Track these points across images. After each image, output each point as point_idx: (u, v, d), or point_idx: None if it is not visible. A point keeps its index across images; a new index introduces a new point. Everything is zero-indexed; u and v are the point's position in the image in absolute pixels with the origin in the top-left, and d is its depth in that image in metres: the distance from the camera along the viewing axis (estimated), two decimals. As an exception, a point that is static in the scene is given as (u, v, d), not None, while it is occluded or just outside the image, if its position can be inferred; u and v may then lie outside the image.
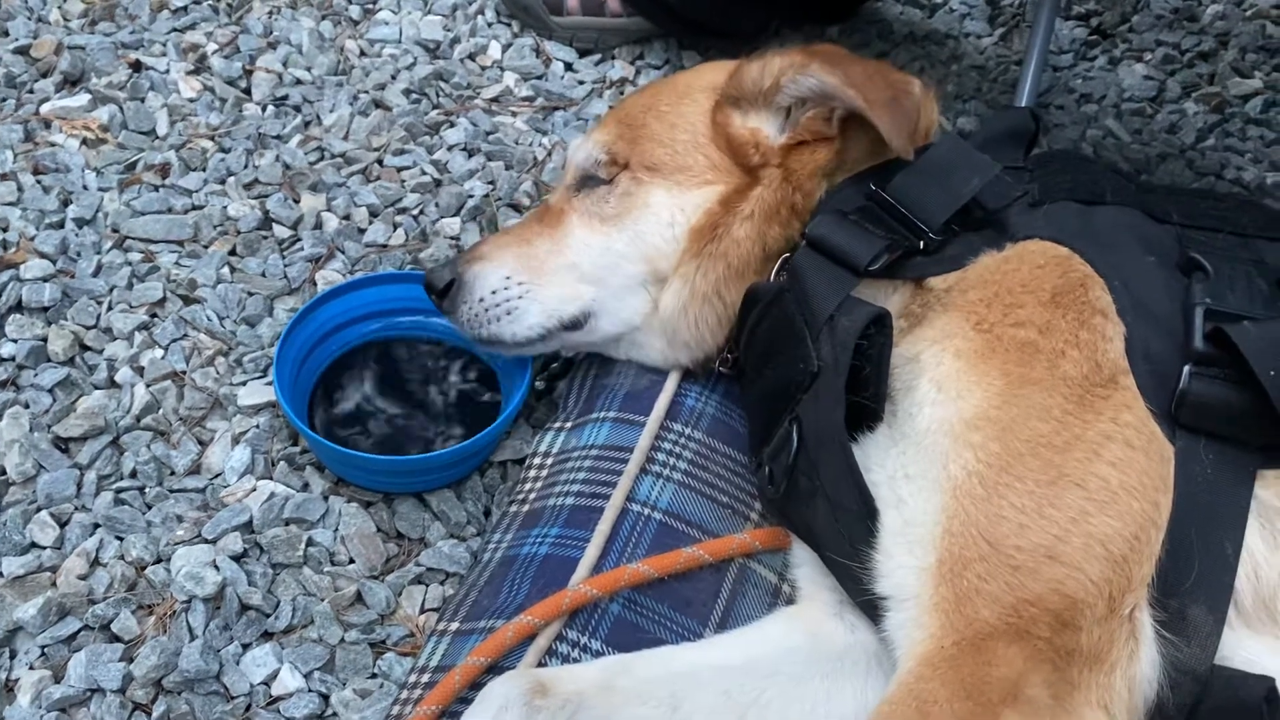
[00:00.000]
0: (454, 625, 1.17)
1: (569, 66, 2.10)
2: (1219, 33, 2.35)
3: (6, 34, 1.96)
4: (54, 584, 1.27)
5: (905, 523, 1.04)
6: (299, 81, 1.96)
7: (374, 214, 1.75)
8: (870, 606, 1.07)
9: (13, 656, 1.21)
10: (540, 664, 1.09)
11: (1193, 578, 0.99)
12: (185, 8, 2.08)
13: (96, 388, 1.47)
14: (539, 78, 2.06)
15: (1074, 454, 1.00)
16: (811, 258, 1.18)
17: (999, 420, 1.02)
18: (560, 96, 2.02)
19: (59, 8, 2.03)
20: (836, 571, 1.12)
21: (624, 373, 1.41)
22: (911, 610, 1.00)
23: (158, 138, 1.82)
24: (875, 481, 1.08)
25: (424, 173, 1.81)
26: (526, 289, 1.33)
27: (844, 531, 1.09)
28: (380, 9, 2.14)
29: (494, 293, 1.33)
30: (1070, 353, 1.05)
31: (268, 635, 1.26)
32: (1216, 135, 2.08)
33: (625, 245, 1.32)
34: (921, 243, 1.18)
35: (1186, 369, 1.03)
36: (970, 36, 2.29)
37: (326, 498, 1.38)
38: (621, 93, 2.05)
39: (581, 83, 2.06)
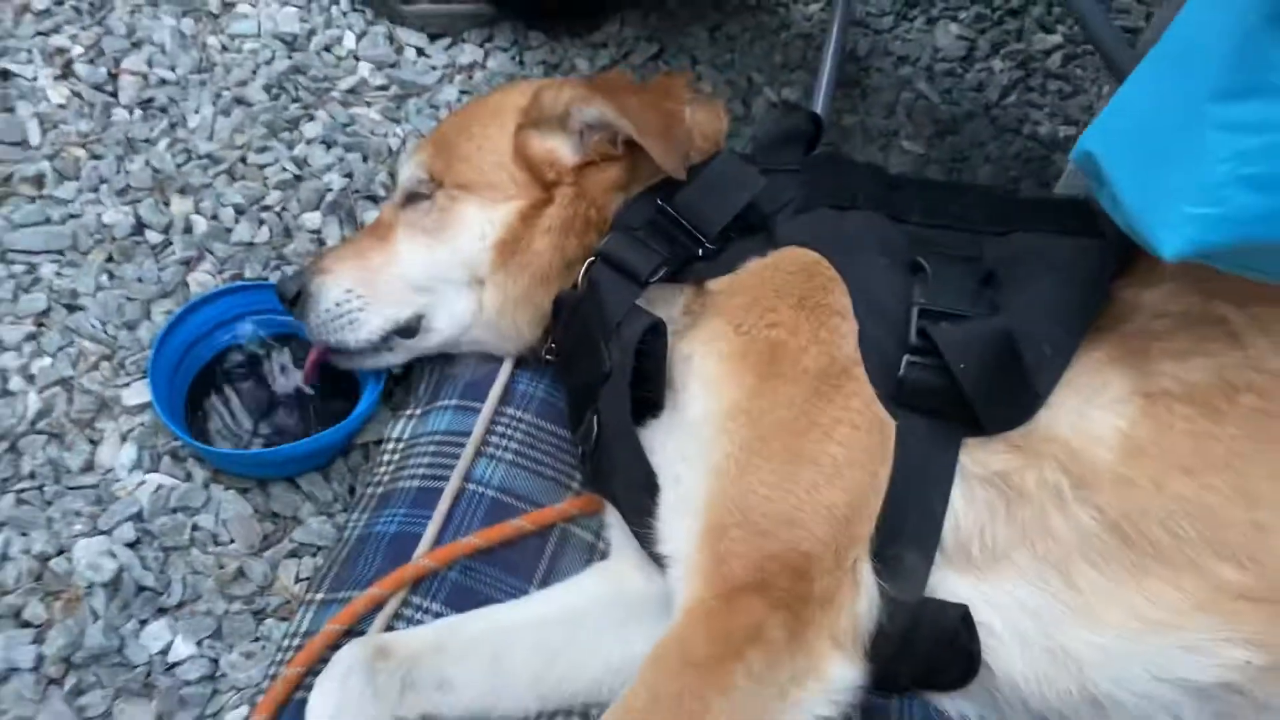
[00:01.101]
0: (319, 596, 1.39)
1: (421, 52, 2.24)
2: (1028, -13, 2.55)
3: None
4: (-33, 580, 1.45)
5: (679, 497, 1.26)
6: (164, 82, 2.08)
7: (240, 213, 1.90)
8: (660, 562, 1.31)
9: (-64, 646, 1.40)
10: (389, 628, 1.31)
11: (907, 530, 1.23)
12: (48, 10, 2.16)
13: (-9, 397, 1.63)
14: (392, 66, 2.20)
15: (810, 436, 1.23)
16: (604, 271, 1.38)
17: (751, 411, 1.25)
18: (413, 84, 2.16)
19: (-78, 16, 2.12)
20: (635, 535, 1.35)
21: (466, 363, 1.61)
22: (682, 568, 1.23)
23: (30, 148, 1.94)
24: (658, 463, 1.30)
25: (284, 169, 1.97)
26: (365, 301, 1.52)
27: (635, 502, 1.31)
28: (239, 2, 2.25)
29: (337, 304, 1.52)
30: (811, 349, 1.27)
31: (162, 611, 1.46)
32: (1019, 91, 2.30)
33: (446, 255, 1.51)
34: (700, 250, 1.39)
35: (905, 359, 1.26)
36: (799, 3, 2.47)
37: (207, 486, 1.57)
38: (471, 77, 2.20)
39: (434, 68, 2.21)
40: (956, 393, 1.23)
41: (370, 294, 1.53)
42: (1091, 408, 1.25)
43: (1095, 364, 1.27)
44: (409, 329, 1.54)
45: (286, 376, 1.68)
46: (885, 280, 1.32)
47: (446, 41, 2.26)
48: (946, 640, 1.23)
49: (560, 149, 1.49)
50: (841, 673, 1.20)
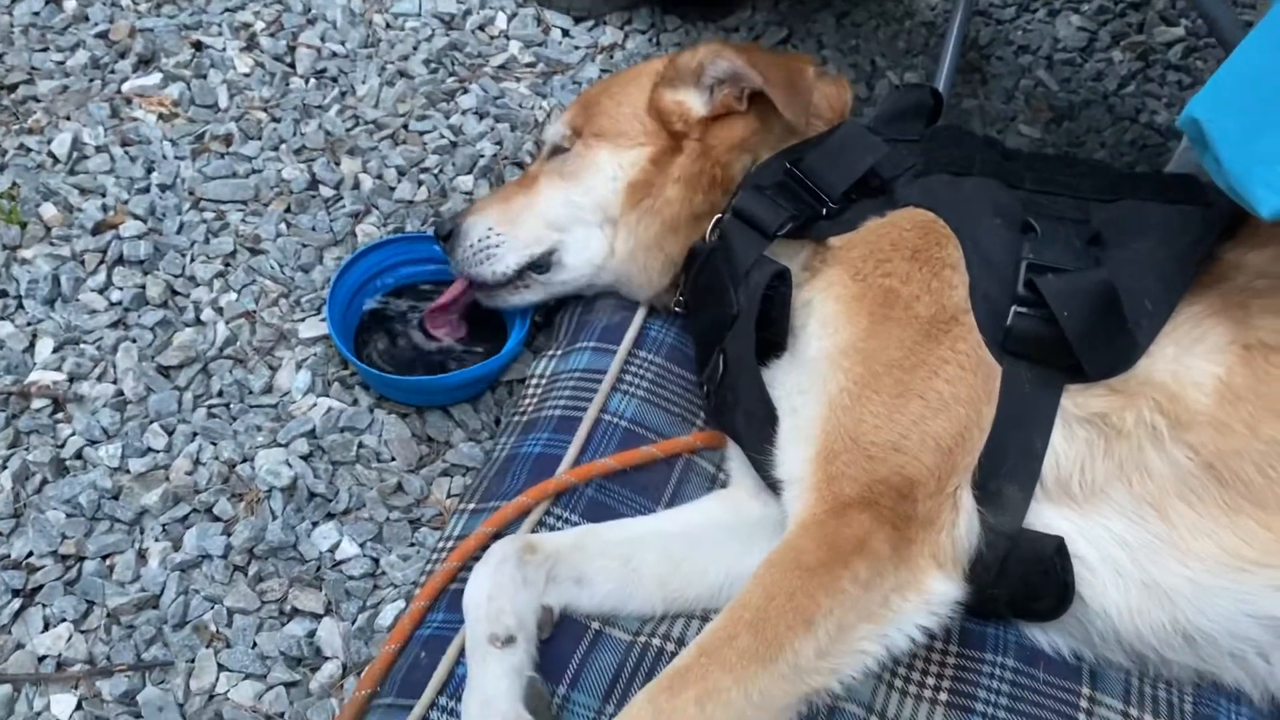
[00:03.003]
0: (471, 506, 1.56)
1: (565, 33, 2.41)
2: (1154, -19, 2.60)
3: (87, 19, 2.30)
4: (168, 478, 1.66)
5: (796, 426, 1.39)
6: (335, 55, 2.30)
7: (401, 174, 2.10)
8: (776, 489, 1.44)
9: (142, 532, 1.61)
10: (533, 532, 1.47)
11: (1007, 465, 1.34)
12: (236, -11, 2.40)
13: (187, 325, 1.85)
14: (540, 45, 2.38)
15: (918, 374, 1.35)
16: (735, 224, 1.52)
17: (864, 349, 1.37)
18: (558, 62, 2.34)
19: (128, -8, 2.37)
20: (754, 463, 1.48)
21: (602, 309, 1.76)
22: (797, 489, 1.36)
23: (220, 110, 2.17)
24: (778, 397, 1.43)
25: (442, 136, 2.16)
26: (503, 238, 1.70)
27: (756, 433, 1.45)
28: (402, -16, 2.46)
29: (480, 239, 1.71)
30: (924, 297, 1.39)
31: (330, 515, 1.65)
32: (1138, 82, 2.36)
33: (580, 196, 1.68)
34: (824, 210, 1.52)
35: (1013, 309, 1.37)
36: (924, -7, 2.57)
37: (372, 410, 1.76)
38: (612, 57, 2.37)
39: (577, 48, 2.38)
40: (1060, 340, 1.32)
41: (509, 232, 1.70)
42: (1190, 356, 1.33)
43: (1195, 317, 1.36)
44: (543, 264, 1.71)
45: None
46: (996, 237, 1.42)
47: (589, 24, 2.43)
48: (1042, 569, 1.33)
49: (690, 100, 1.64)
50: (941, 588, 1.31)
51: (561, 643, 1.37)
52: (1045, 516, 1.35)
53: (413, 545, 1.63)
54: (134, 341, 1.80)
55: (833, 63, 2.38)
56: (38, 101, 2.11)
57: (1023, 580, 1.34)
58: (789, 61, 1.61)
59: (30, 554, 1.55)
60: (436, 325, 1.82)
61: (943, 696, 1.35)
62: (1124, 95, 2.34)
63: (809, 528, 1.31)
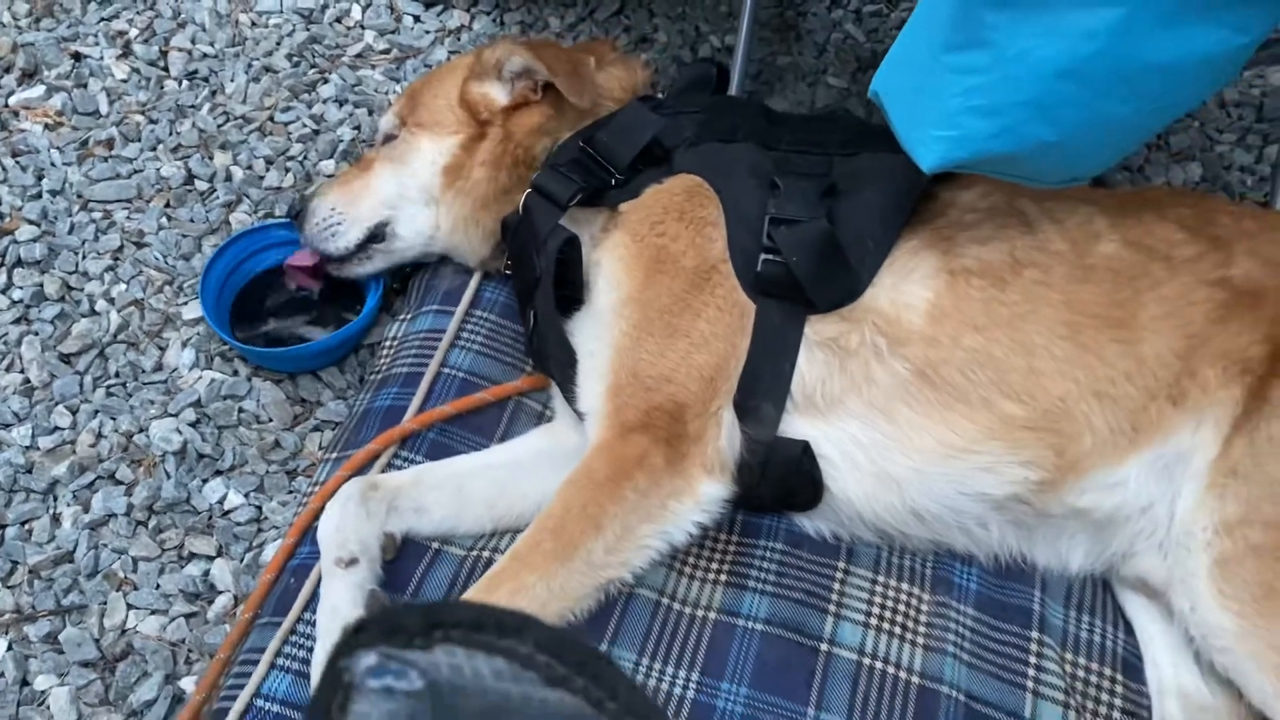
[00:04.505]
0: (333, 455, 1.82)
1: (416, 19, 2.63)
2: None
3: (-30, 37, 2.50)
4: (74, 451, 1.91)
5: (591, 367, 1.67)
6: (205, 55, 2.51)
7: (269, 163, 2.33)
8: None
9: (55, 499, 1.86)
10: (382, 473, 1.74)
11: (761, 386, 1.62)
12: (108, -1, 2.60)
13: (83, 316, 2.08)
14: (392, 32, 2.59)
15: (684, 317, 1.62)
16: (534, 198, 1.77)
17: (640, 299, 1.64)
18: (410, 47, 2.56)
19: (8, 9, 2.56)
20: (565, 399, 1.76)
21: (444, 275, 2.03)
22: (593, 419, 1.63)
23: (101, 116, 2.38)
24: (577, 343, 1.70)
25: (305, 125, 2.39)
26: (343, 215, 1.96)
27: (564, 375, 1.72)
28: (264, -18, 2.66)
29: (324, 219, 1.96)
30: (689, 252, 1.66)
31: (218, 472, 1.91)
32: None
33: (407, 178, 1.94)
34: (613, 180, 1.77)
35: (761, 257, 1.64)
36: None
37: (250, 379, 2.02)
38: (459, 39, 2.59)
39: (427, 32, 2.60)
40: (796, 281, 1.60)
41: (349, 211, 1.96)
42: (906, 284, 1.62)
43: (912, 250, 1.64)
44: (378, 236, 1.97)
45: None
46: (750, 195, 1.68)
47: (439, 9, 2.65)
48: (793, 468, 1.62)
49: (493, 92, 1.90)
50: (710, 490, 1.59)
51: (407, 562, 1.64)
52: (796, 426, 1.63)
53: (290, 493, 1.90)
54: (36, 334, 2.04)
55: (662, 30, 2.62)
56: (-70, 120, 2.31)
57: (780, 479, 1.63)
58: (573, 54, 1.86)
59: (-43, 525, 1.81)
60: (297, 278, 2.06)
61: (722, 578, 1.65)
62: (925, 41, 2.59)
63: (599, 450, 1.59)
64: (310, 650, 1.53)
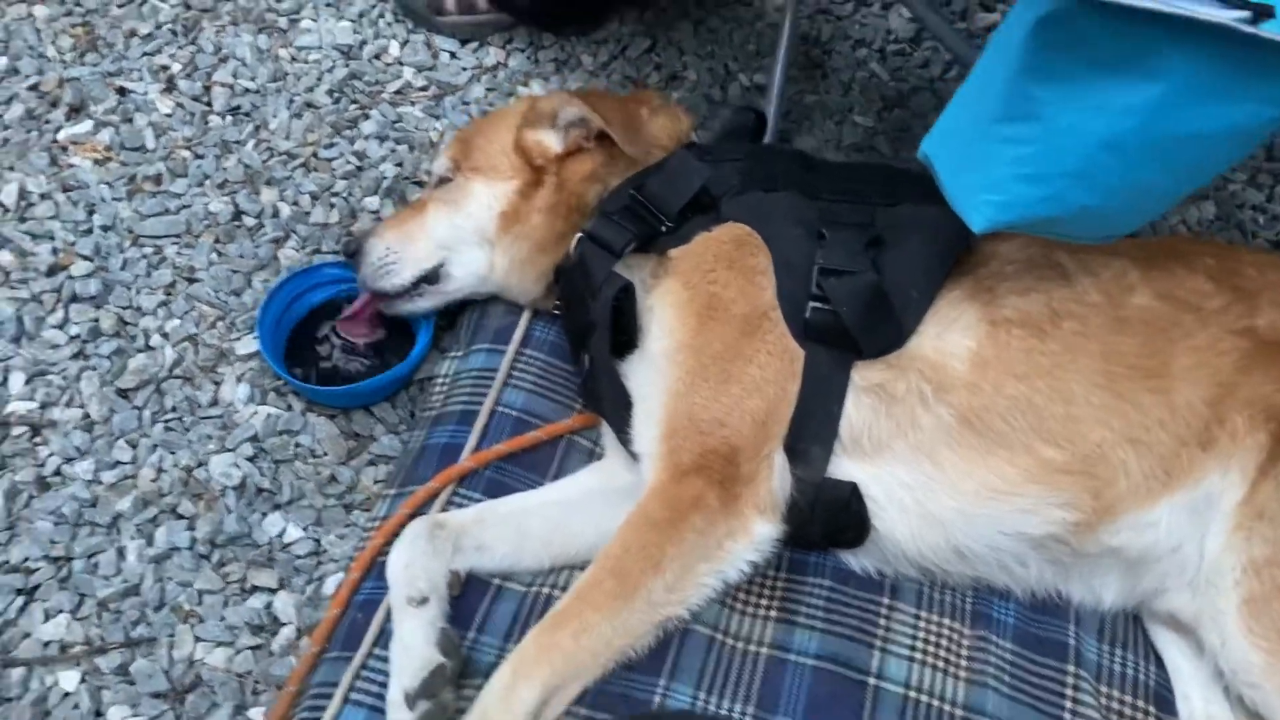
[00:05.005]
0: (392, 491, 1.88)
1: (454, 56, 2.69)
2: (977, -33, 2.92)
3: (17, 72, 2.54)
4: (136, 486, 1.97)
5: (646, 411, 1.74)
6: (247, 90, 2.57)
7: (315, 199, 2.39)
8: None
9: (119, 533, 1.92)
10: (442, 511, 1.81)
11: (810, 429, 1.69)
12: (150, 34, 2.64)
13: (139, 351, 2.13)
14: (430, 69, 2.66)
15: (736, 363, 1.69)
16: (588, 245, 1.84)
17: (693, 345, 1.71)
18: (448, 84, 2.63)
19: (53, 43, 2.61)
20: (619, 440, 1.83)
21: (494, 314, 2.09)
22: (648, 461, 1.70)
23: (149, 151, 2.44)
24: (632, 387, 1.77)
25: (348, 161, 2.45)
26: (399, 255, 2.03)
27: (618, 416, 1.79)
28: (302, 18, 2.71)
29: (380, 258, 2.03)
30: (740, 300, 1.73)
31: (277, 506, 1.97)
32: (958, 68, 2.70)
33: (462, 221, 2.01)
34: (663, 227, 1.85)
35: (810, 305, 1.71)
36: (771, -4, 2.88)
37: (304, 414, 2.08)
38: (496, 75, 2.66)
39: (464, 69, 2.66)
40: (844, 329, 1.68)
41: (404, 250, 2.03)
42: (949, 333, 1.69)
43: (954, 300, 1.72)
44: (433, 277, 2.04)
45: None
46: (796, 245, 1.76)
47: (475, 45, 2.71)
48: (842, 508, 1.69)
49: (547, 140, 1.97)
50: (763, 530, 1.67)
51: (471, 598, 1.71)
52: (844, 468, 1.70)
53: (348, 526, 1.96)
54: (94, 369, 2.10)
55: (691, 68, 2.69)
56: (-19, 155, 2.37)
57: (829, 519, 1.70)
58: (626, 103, 1.93)
59: (26, 559, 1.86)
60: (351, 332, 2.13)
61: (773, 614, 1.72)
62: (948, 80, 2.67)
63: (656, 492, 1.66)
64: (383, 685, 1.59)
